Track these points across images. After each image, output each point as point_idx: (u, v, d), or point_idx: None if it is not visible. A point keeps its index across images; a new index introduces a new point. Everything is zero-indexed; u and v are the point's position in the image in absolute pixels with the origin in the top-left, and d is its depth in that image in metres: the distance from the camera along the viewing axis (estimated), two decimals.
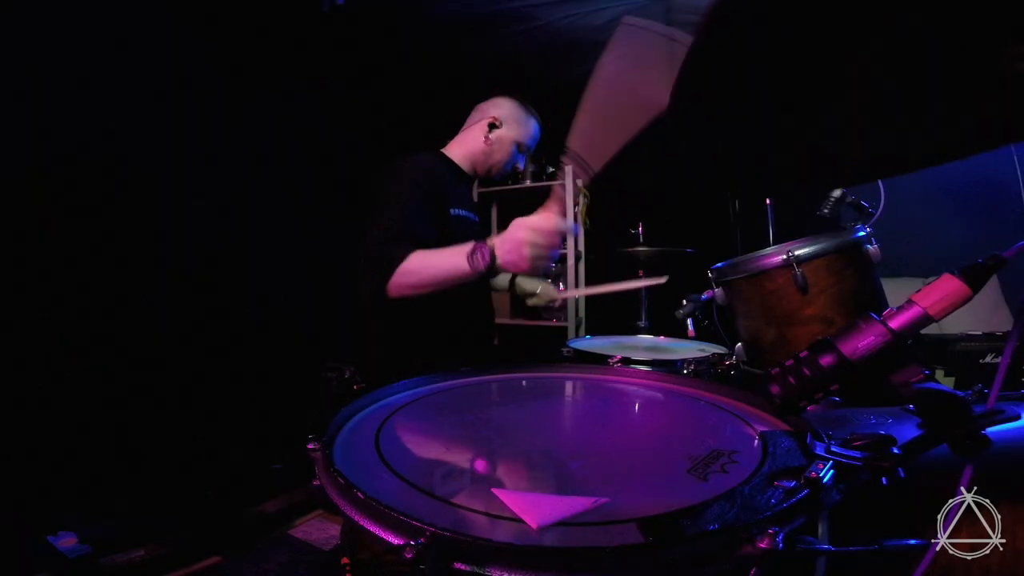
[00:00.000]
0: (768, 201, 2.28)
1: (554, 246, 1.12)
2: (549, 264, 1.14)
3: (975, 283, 0.55)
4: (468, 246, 1.16)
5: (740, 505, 0.48)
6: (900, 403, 0.67)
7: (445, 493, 0.53)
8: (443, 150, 1.62)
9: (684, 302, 1.63)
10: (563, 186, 1.49)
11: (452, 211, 1.47)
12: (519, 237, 1.10)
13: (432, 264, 1.21)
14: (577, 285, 3.02)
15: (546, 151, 3.13)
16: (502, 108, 1.56)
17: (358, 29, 2.58)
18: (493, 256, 1.13)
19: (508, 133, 1.55)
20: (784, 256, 1.19)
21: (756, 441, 0.65)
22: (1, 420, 1.64)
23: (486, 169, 1.60)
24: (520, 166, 1.62)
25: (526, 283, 1.67)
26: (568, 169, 2.98)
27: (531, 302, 1.66)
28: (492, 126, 1.55)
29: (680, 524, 0.45)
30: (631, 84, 0.95)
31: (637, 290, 1.37)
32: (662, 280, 1.40)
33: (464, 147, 1.59)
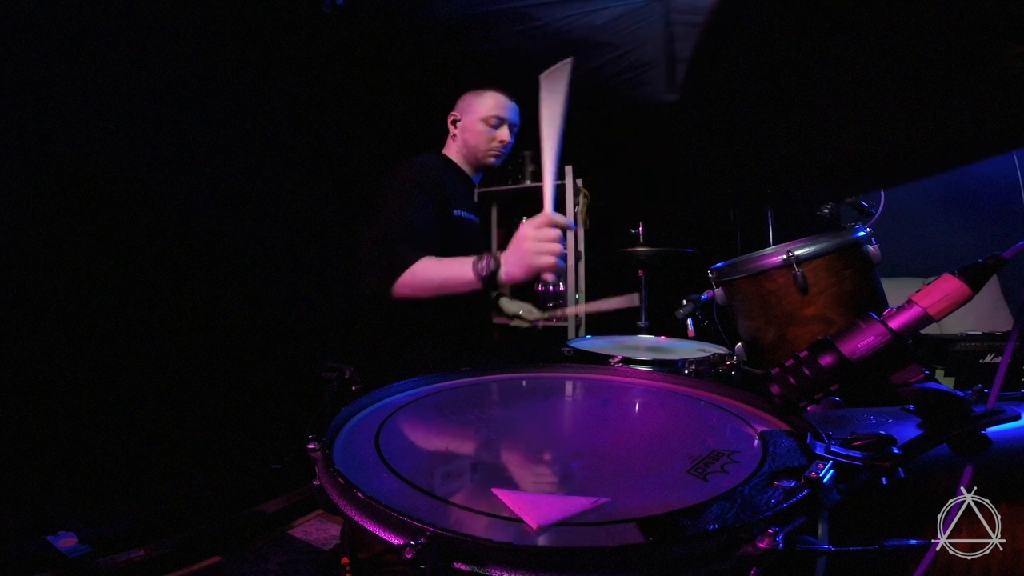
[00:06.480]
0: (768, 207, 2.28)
1: (553, 238, 1.09)
2: (555, 262, 1.09)
3: (975, 283, 0.55)
4: (473, 257, 1.18)
5: (740, 505, 0.48)
6: (900, 403, 0.67)
7: (445, 493, 0.53)
8: (443, 151, 1.64)
9: (684, 302, 1.63)
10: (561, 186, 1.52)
11: (454, 212, 1.47)
12: (521, 241, 1.10)
13: (438, 272, 1.23)
14: (577, 285, 3.02)
15: None
16: (458, 103, 1.63)
17: (358, 29, 2.58)
18: (497, 263, 1.13)
19: (468, 117, 1.59)
20: (784, 256, 1.19)
21: (756, 441, 0.65)
22: (1, 420, 1.64)
23: (475, 159, 1.61)
24: (505, 138, 1.58)
25: (508, 305, 1.73)
26: (568, 169, 2.99)
27: (515, 323, 1.72)
28: (455, 122, 1.62)
29: (680, 524, 0.45)
30: None
31: (613, 310, 1.56)
32: (635, 301, 1.58)
33: (451, 151, 1.64)
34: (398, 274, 1.22)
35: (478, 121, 1.56)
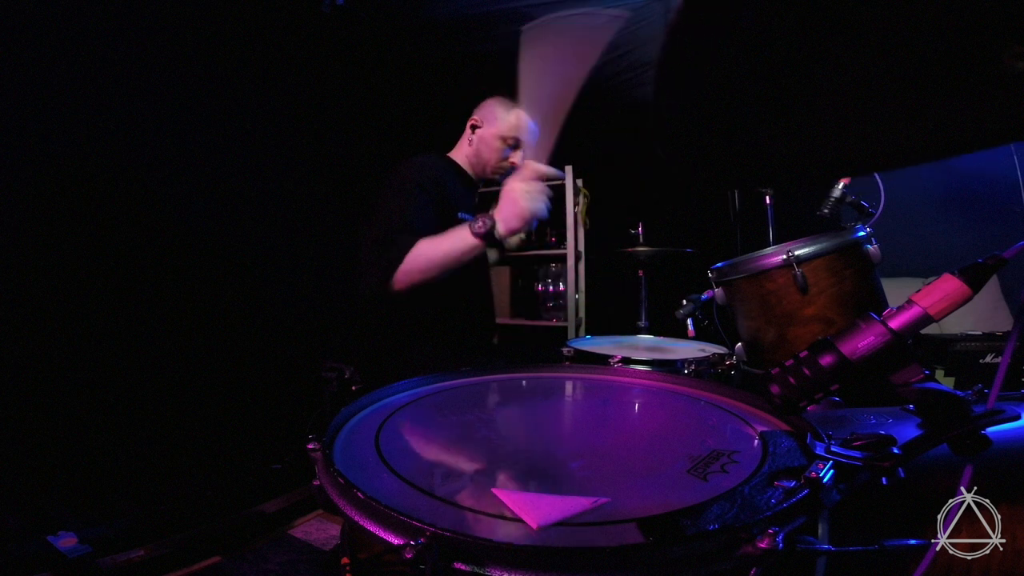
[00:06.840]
0: (768, 200, 2.28)
1: (543, 189, 1.24)
2: (544, 208, 1.24)
3: (975, 283, 0.55)
4: (467, 223, 1.25)
5: (740, 505, 0.48)
6: (900, 403, 0.67)
7: (445, 493, 0.53)
8: (449, 154, 1.63)
9: (684, 302, 1.63)
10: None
11: (459, 214, 1.48)
12: (512, 192, 1.22)
13: (436, 247, 1.26)
14: (577, 285, 3.02)
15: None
16: (482, 109, 1.59)
17: (358, 29, 2.58)
18: (493, 220, 1.22)
19: (489, 130, 1.56)
20: (784, 256, 1.19)
21: (756, 441, 0.65)
22: (1, 420, 1.64)
23: (482, 170, 1.60)
24: (517, 162, 1.57)
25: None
26: (568, 169, 2.99)
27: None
28: (473, 127, 1.59)
29: (680, 524, 0.45)
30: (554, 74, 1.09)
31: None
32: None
33: (460, 153, 1.63)
34: (398, 264, 1.24)
35: (497, 137, 1.54)
